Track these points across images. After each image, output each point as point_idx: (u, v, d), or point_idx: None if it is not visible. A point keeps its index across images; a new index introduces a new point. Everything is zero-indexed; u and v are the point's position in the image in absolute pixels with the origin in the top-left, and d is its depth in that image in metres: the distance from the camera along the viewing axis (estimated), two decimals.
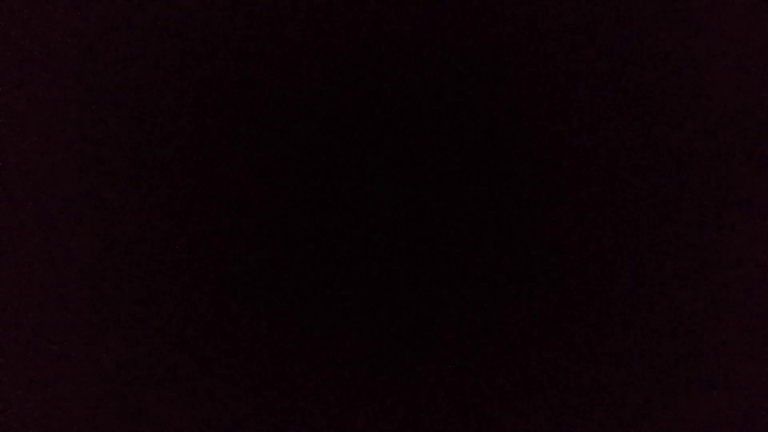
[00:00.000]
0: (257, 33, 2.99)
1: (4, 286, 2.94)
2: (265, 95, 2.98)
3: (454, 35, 2.99)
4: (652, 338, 2.94)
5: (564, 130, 2.98)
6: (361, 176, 2.97)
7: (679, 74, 2.99)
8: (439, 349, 2.95)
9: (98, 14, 2.99)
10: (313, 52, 2.99)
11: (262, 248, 2.97)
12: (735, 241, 2.95)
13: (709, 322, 2.95)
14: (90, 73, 2.99)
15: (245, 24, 2.99)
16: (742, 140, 2.97)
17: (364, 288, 2.96)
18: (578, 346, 2.94)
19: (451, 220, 2.97)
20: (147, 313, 2.95)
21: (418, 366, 2.95)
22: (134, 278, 2.95)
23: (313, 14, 2.99)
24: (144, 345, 2.94)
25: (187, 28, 2.99)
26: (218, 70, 2.99)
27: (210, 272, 2.96)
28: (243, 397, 2.94)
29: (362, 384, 2.94)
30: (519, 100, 2.98)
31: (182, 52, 2.99)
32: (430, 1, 2.98)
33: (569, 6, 2.98)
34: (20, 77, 2.97)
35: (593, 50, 2.99)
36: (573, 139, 2.98)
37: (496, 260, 2.96)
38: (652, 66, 2.99)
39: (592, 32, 2.98)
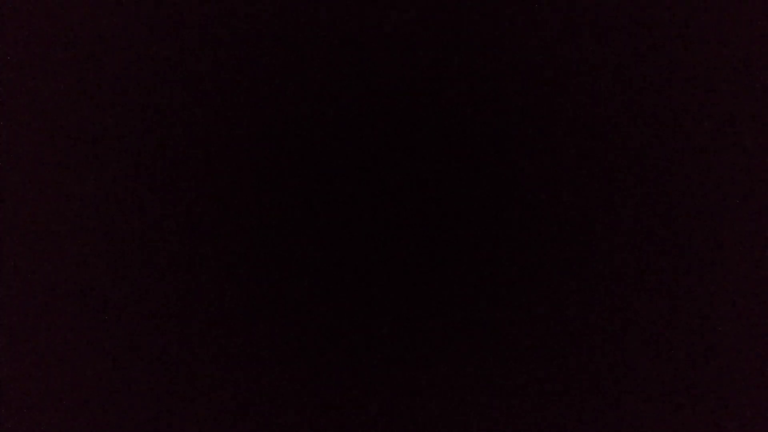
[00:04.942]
0: (256, 32, 3.00)
1: (4, 286, 2.94)
2: (264, 95, 2.99)
3: (453, 35, 2.99)
4: (652, 338, 2.94)
5: (564, 129, 2.98)
6: (360, 176, 2.97)
7: (678, 74, 2.99)
8: (437, 350, 2.95)
9: (98, 14, 2.99)
10: (312, 51, 3.00)
11: (261, 248, 2.97)
12: (735, 241, 2.96)
13: (708, 322, 2.95)
14: (90, 73, 2.99)
15: (245, 23, 3.00)
16: (742, 140, 2.97)
17: (363, 288, 2.97)
18: (577, 347, 2.94)
19: (449, 221, 2.97)
20: (146, 312, 2.95)
21: (417, 366, 2.95)
22: (134, 278, 2.96)
23: (313, 14, 3.00)
24: (144, 345, 2.95)
25: (187, 27, 3.00)
26: (218, 70, 3.00)
27: (209, 272, 2.97)
28: (242, 397, 2.94)
29: (361, 384, 2.94)
30: (517, 100, 2.99)
31: (182, 52, 3.00)
32: (430, 1, 2.99)
33: (569, 6, 2.98)
34: (20, 77, 2.97)
35: (593, 50, 2.99)
36: (572, 139, 2.98)
37: (494, 260, 2.96)
38: (652, 66, 2.99)
39: (592, 32, 2.98)
